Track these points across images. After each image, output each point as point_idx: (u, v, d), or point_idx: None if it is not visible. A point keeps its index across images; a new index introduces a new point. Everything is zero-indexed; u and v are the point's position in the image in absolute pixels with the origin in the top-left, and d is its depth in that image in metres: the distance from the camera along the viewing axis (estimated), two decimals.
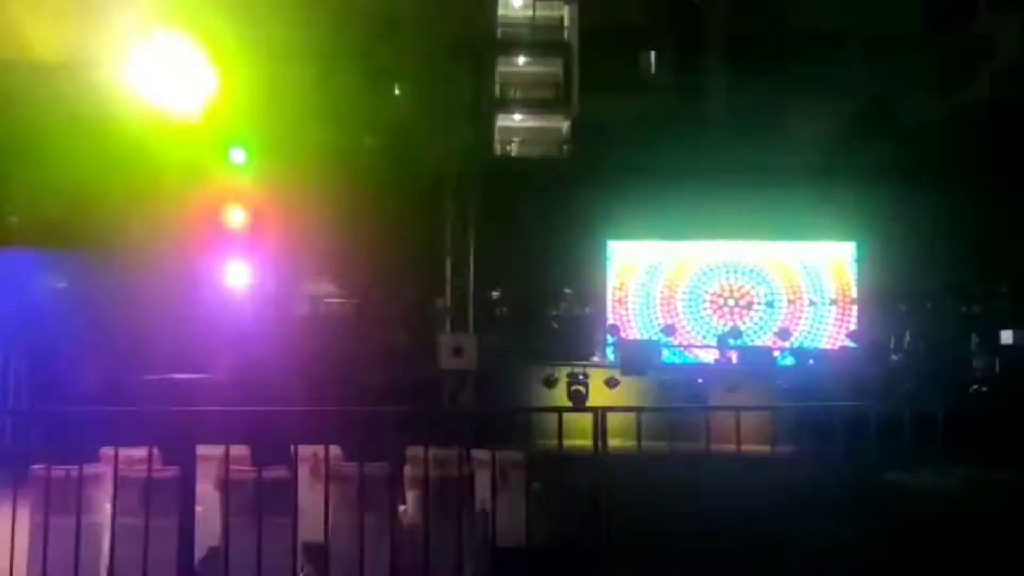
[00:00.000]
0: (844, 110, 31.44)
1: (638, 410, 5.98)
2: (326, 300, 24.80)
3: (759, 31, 36.41)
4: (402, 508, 6.34)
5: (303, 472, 6.30)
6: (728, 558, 5.89)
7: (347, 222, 20.79)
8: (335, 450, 6.55)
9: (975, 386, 14.77)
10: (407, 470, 6.36)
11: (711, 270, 17.23)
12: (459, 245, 14.63)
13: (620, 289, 17.21)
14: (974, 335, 17.64)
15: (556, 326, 18.48)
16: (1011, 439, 6.42)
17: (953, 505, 7.70)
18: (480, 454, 6.33)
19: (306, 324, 20.64)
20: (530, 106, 38.20)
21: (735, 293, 17.01)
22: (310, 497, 6.10)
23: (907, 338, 17.24)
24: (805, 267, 17.16)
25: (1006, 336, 17.61)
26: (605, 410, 5.60)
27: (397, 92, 35.64)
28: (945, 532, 6.36)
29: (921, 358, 16.86)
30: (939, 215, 22.07)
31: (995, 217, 21.22)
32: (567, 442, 5.80)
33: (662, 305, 16.97)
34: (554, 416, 6.05)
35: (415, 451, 6.25)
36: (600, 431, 5.56)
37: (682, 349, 16.38)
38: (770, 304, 16.78)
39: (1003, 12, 37.93)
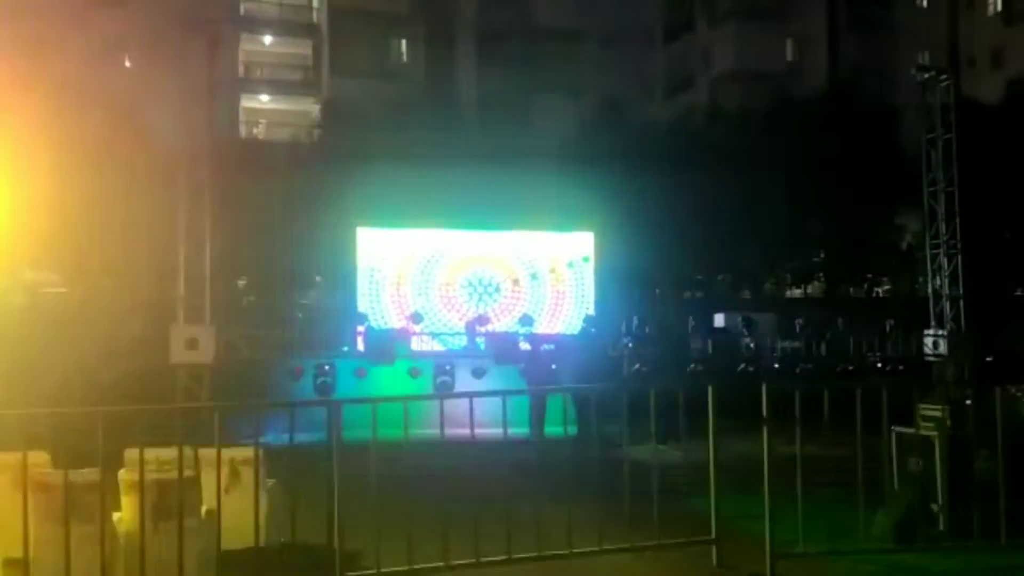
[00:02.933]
0: (583, 106, 33.26)
1: (373, 401, 5.90)
2: (46, 289, 22.56)
3: (508, 25, 37.65)
4: (116, 516, 5.85)
5: (3, 482, 5.74)
6: (460, 539, 5.98)
7: (72, 204, 18.98)
8: (41, 456, 6.01)
9: (692, 365, 16.21)
10: (122, 474, 5.87)
11: (459, 258, 17.49)
12: (195, 230, 13.75)
13: (369, 277, 17.03)
14: (690, 318, 19.31)
15: (301, 315, 18.00)
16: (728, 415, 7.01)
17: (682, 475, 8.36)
18: (207, 453, 5.96)
19: (23, 316, 18.60)
20: (277, 87, 36.88)
21: (483, 281, 17.40)
22: (11, 510, 5.53)
23: (635, 321, 18.56)
24: (547, 255, 17.88)
25: (719, 319, 19.45)
26: (340, 403, 5.48)
27: (128, 65, 33.01)
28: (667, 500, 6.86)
29: (651, 341, 18.21)
30: (666, 209, 23.88)
31: (678, 211, 23.23)
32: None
33: (410, 293, 17.01)
34: (315, 409, 5.84)
35: (132, 453, 5.79)
36: (334, 424, 5.43)
37: (430, 336, 16.52)
38: (517, 289, 17.33)
39: (719, 26, 41.95)
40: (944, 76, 19.86)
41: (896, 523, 6.88)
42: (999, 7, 44.44)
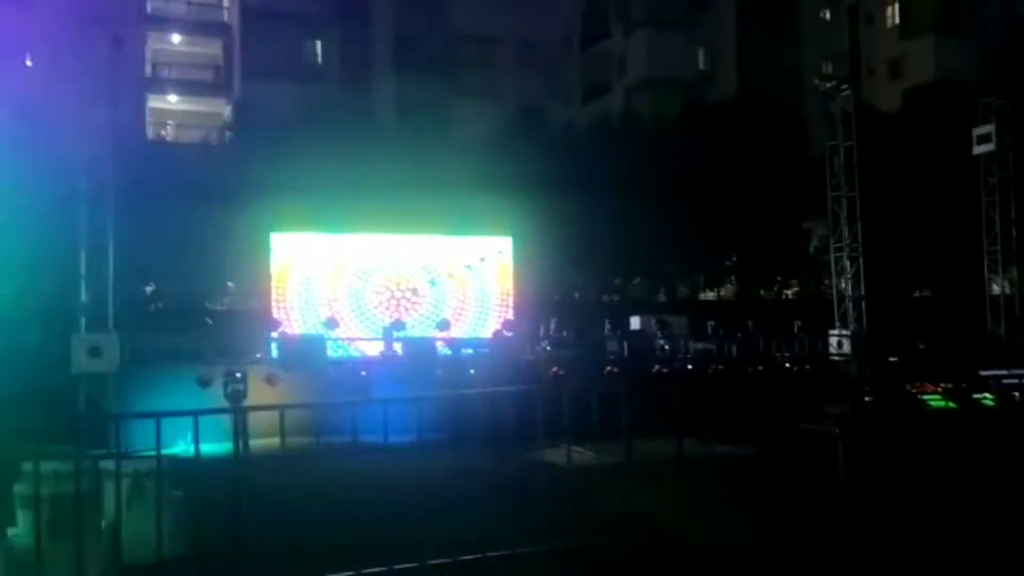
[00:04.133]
0: (501, 112, 33.34)
1: (281, 407, 5.77)
2: None
3: (425, 28, 37.49)
4: (12, 532, 5.57)
5: None
6: (371, 547, 5.90)
7: None
8: None
9: (608, 367, 16.38)
10: (17, 488, 5.60)
11: (375, 263, 17.32)
12: (98, 235, 13.26)
13: (282, 282, 16.70)
14: (607, 321, 19.52)
15: (211, 322, 17.52)
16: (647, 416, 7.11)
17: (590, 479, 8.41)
18: (108, 465, 5.73)
19: None
20: (187, 87, 35.88)
21: (400, 286, 17.26)
22: None
23: (553, 325, 18.67)
24: (466, 261, 17.86)
25: (634, 322, 19.73)
26: (246, 410, 5.34)
27: (29, 64, 31.64)
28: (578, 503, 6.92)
29: (568, 344, 18.33)
30: (583, 213, 24.10)
31: (596, 216, 23.53)
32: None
33: (326, 299, 16.75)
34: (223, 418, 5.66)
35: (28, 466, 5.52)
36: (241, 432, 5.29)
37: (346, 343, 16.29)
38: (433, 293, 17.25)
39: (633, 34, 42.70)
40: (845, 86, 20.65)
41: (803, 515, 7.07)
42: (896, 20, 46.48)
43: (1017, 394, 7.96)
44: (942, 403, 7.36)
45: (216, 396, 13.71)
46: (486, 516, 6.28)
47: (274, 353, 15.54)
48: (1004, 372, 8.85)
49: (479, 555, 6.25)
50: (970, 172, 20.94)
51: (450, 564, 6.10)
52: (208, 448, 5.66)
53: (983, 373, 8.60)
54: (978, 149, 20.47)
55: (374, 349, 16.27)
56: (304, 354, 14.36)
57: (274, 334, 15.82)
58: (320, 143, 23.61)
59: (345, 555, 5.74)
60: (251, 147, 25.44)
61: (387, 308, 16.83)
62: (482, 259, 17.63)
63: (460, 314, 17.30)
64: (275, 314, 16.27)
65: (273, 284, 16.68)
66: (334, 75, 36.39)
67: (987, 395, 7.42)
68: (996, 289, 20.87)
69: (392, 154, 24.10)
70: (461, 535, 6.25)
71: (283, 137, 24.61)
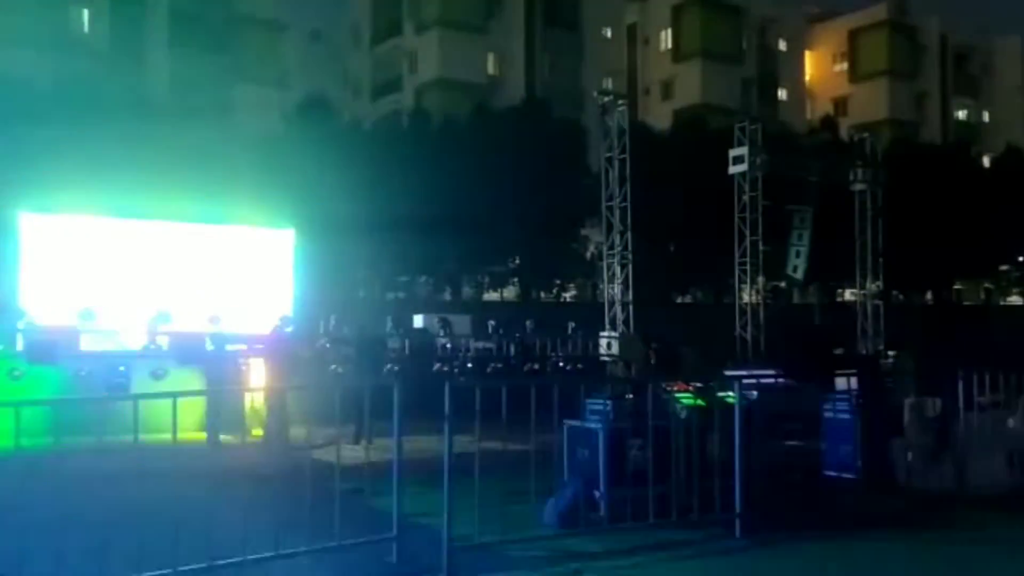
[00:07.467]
0: (287, 102, 32.35)
1: (16, 404, 5.24)
2: None
3: (204, 6, 35.56)
4: None
5: None
6: (121, 553, 5.51)
7: None
8: None
9: (389, 365, 16.34)
10: None
11: (141, 250, 16.12)
12: None
13: (33, 268, 15.16)
14: (389, 319, 19.47)
15: None
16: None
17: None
18: None
19: None
20: None
21: (167, 276, 16.19)
22: None
23: (333, 322, 18.35)
24: (242, 252, 17.09)
25: (418, 320, 19.82)
26: None
27: None
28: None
29: (347, 341, 18.05)
30: (371, 210, 23.89)
31: (382, 213, 23.54)
32: None
33: (83, 287, 15.39)
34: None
35: None
36: None
37: (104, 335, 15.06)
38: (205, 285, 16.36)
39: (425, 33, 42.91)
40: (621, 101, 21.88)
41: (561, 510, 7.39)
42: (669, 44, 49.88)
43: (755, 392, 8.78)
44: (692, 400, 7.97)
45: None
46: (248, 517, 6.03)
47: (19, 346, 14.11)
48: (744, 373, 9.74)
49: (239, 558, 5.99)
50: (728, 189, 22.82)
51: (205, 569, 5.80)
52: None
53: (728, 373, 9.41)
54: (733, 169, 22.36)
55: (137, 342, 15.17)
56: (53, 347, 13.15)
57: (20, 324, 14.35)
58: (83, 119, 21.80)
59: (91, 565, 5.32)
60: (2, 119, 23.01)
61: (152, 299, 15.71)
62: (261, 251, 16.95)
63: (234, 308, 16.51)
64: (22, 303, 14.77)
65: (21, 270, 15.12)
66: (102, 47, 33.70)
67: (730, 393, 8.11)
68: (745, 298, 22.89)
69: (164, 135, 22.69)
70: (219, 537, 5.96)
71: (39, 111, 22.48)
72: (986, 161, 45.27)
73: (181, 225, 16.75)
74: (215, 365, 12.81)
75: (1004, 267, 39.89)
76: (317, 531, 6.46)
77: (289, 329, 14.37)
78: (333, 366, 16.58)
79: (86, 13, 34.31)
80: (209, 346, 13.56)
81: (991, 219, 33.15)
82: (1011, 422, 10.74)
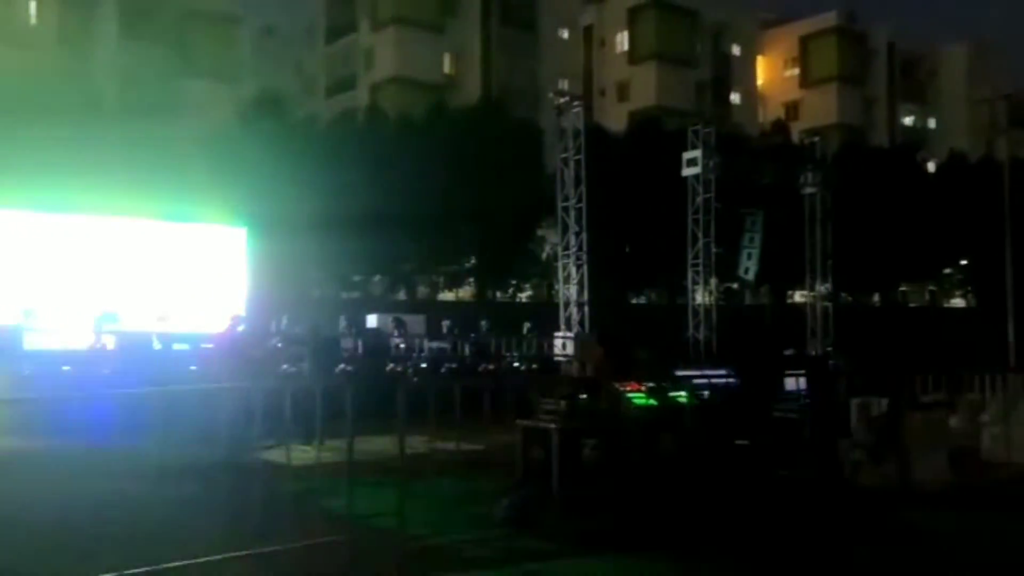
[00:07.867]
0: (239, 98, 31.86)
1: None
2: None
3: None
4: None
5: None
6: (64, 558, 5.38)
7: None
8: None
9: (342, 365, 16.17)
10: None
11: (87, 247, 15.78)
12: None
13: None
14: (343, 318, 19.29)
15: None
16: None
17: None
18: None
19: None
20: None
21: (114, 274, 15.86)
22: None
23: (285, 321, 18.11)
24: (192, 249, 16.82)
25: (372, 320, 19.67)
26: None
27: None
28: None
29: (300, 341, 17.84)
30: (325, 208, 23.60)
31: (336, 211, 23.31)
32: None
33: (26, 285, 15.00)
34: None
35: None
36: None
37: (48, 334, 14.70)
38: (153, 283, 16.07)
39: (381, 30, 42.63)
40: (577, 103, 21.97)
41: (515, 510, 7.39)
42: (625, 47, 50.26)
43: (706, 392, 8.87)
44: (644, 400, 8.02)
45: None
46: (198, 518, 5.93)
47: None
48: (696, 372, 9.84)
49: (187, 561, 5.88)
50: (681, 192, 23.01)
51: (150, 573, 5.69)
52: None
53: (678, 373, 9.50)
54: (687, 171, 22.57)
55: (82, 342, 14.85)
56: None
57: None
58: (28, 112, 21.25)
59: (32, 568, 5.18)
60: None
61: (98, 297, 15.38)
62: (212, 249, 16.70)
63: (183, 306, 16.23)
64: None
65: None
66: (50, 38, 32.88)
67: (682, 393, 8.18)
68: (698, 299, 23.12)
69: (114, 130, 22.20)
70: (168, 540, 5.85)
71: None
72: (931, 166, 46.36)
73: (130, 222, 16.46)
74: (164, 365, 12.57)
75: (947, 270, 40.86)
76: (267, 532, 6.39)
77: (241, 328, 14.16)
78: (285, 366, 16.38)
79: (33, 5, 33.46)
80: (156, 345, 13.32)
81: (935, 223, 33.95)
82: (953, 421, 11.03)
